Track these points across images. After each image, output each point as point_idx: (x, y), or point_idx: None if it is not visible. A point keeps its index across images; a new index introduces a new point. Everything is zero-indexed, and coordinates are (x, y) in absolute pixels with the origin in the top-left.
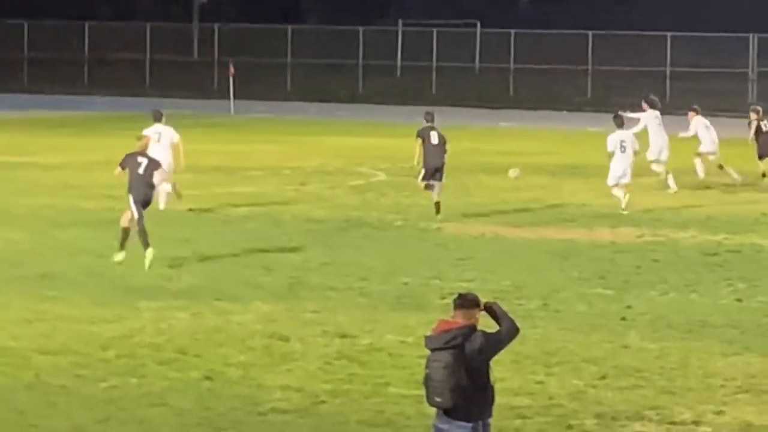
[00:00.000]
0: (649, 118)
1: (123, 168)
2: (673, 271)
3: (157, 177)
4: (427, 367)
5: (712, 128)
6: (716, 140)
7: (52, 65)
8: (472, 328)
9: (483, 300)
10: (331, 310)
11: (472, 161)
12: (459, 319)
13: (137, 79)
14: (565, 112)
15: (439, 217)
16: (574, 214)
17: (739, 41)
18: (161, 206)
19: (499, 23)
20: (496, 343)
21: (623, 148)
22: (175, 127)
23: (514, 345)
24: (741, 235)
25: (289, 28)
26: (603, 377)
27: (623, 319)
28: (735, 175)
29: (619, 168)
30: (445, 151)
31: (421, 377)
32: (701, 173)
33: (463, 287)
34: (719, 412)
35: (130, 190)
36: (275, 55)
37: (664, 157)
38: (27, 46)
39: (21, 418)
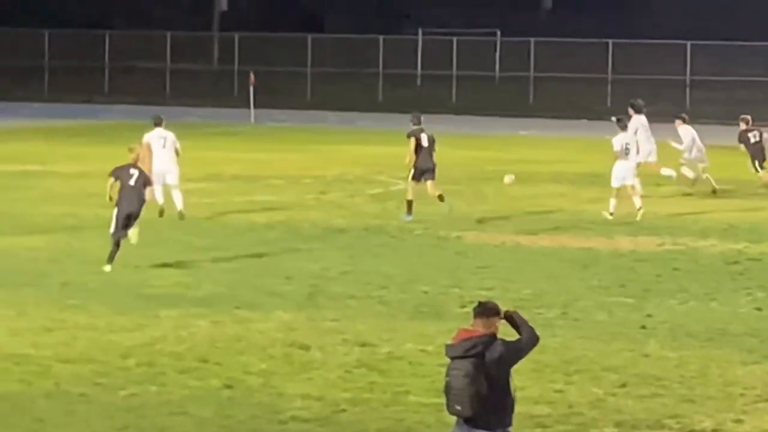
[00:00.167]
0: (635, 124)
1: (116, 179)
2: (693, 280)
3: (148, 192)
4: (447, 375)
5: (697, 137)
6: (702, 148)
7: (72, 74)
8: (493, 337)
9: (503, 308)
10: (350, 319)
11: (491, 170)
12: (479, 328)
13: (157, 87)
14: (584, 120)
15: (446, 206)
16: (593, 223)
17: (761, 50)
18: (160, 200)
19: (518, 32)
20: (516, 351)
21: (627, 151)
22: (196, 136)
23: (533, 353)
24: (762, 243)
25: (310, 37)
26: (623, 386)
27: (643, 327)
28: (690, 176)
29: (622, 170)
30: (434, 151)
31: (440, 386)
32: (692, 177)
33: (483, 296)
34: (739, 421)
35: (117, 202)
36: (295, 64)
37: (652, 159)
38: (47, 55)
39: (40, 426)
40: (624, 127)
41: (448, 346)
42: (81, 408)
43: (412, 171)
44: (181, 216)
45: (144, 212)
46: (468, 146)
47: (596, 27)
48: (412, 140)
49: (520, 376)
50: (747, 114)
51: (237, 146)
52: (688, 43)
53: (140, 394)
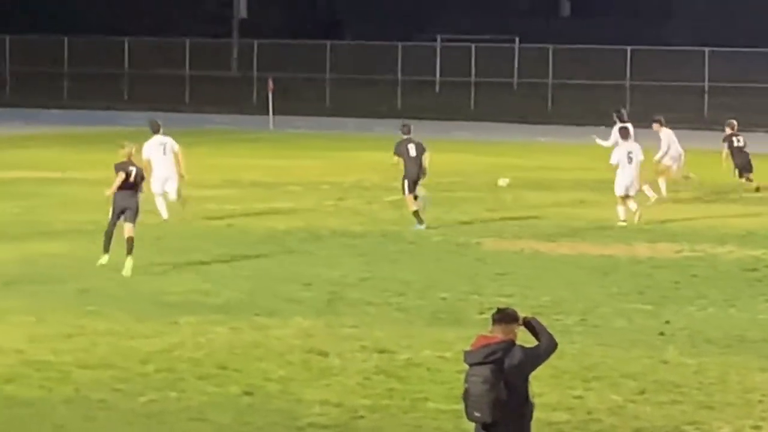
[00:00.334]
0: (618, 131)
1: (123, 173)
2: (712, 287)
3: (143, 187)
4: (466, 381)
5: (676, 142)
6: (681, 151)
7: (92, 80)
8: (511, 343)
9: (522, 315)
10: (369, 325)
11: (511, 176)
12: (498, 334)
13: (177, 94)
14: (603, 127)
15: (423, 226)
16: (612, 230)
17: None
18: (165, 216)
19: (537, 38)
20: (535, 358)
21: (630, 159)
22: (215, 143)
23: (552, 360)
24: None
25: (328, 43)
26: (642, 392)
27: (662, 334)
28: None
29: (627, 178)
30: (423, 158)
31: (459, 392)
32: (664, 191)
33: (502, 302)
34: (757, 427)
35: (113, 199)
36: (314, 71)
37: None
38: (67, 61)
39: None
40: (626, 136)
41: (466, 353)
42: (101, 414)
43: (405, 184)
44: (182, 203)
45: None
46: (487, 153)
47: (615, 33)
48: (395, 159)
49: (538, 382)
50: (734, 119)
51: (256, 153)
52: (707, 50)
53: (159, 401)
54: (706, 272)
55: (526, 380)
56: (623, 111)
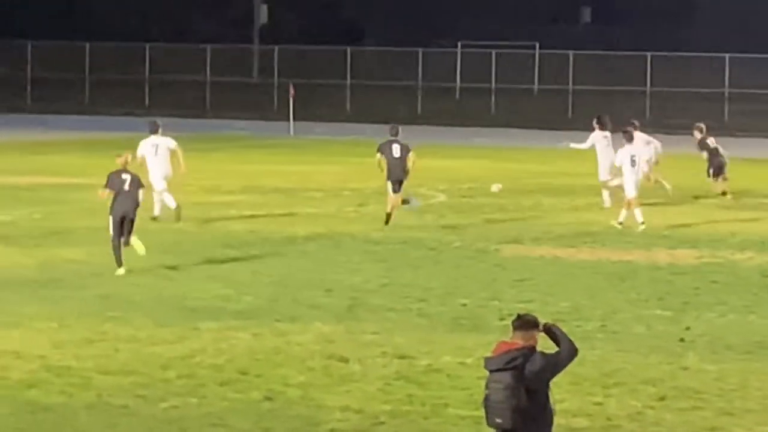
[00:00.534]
0: (597, 137)
1: (109, 188)
2: (732, 293)
3: (141, 194)
4: (486, 388)
5: (651, 145)
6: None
7: (112, 86)
8: (532, 349)
9: (542, 321)
10: (389, 331)
11: (530, 182)
12: (518, 340)
13: (197, 100)
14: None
15: (388, 225)
16: (632, 236)
17: None
18: (173, 205)
19: (557, 45)
20: (555, 364)
21: (633, 162)
22: (236, 149)
23: (572, 366)
24: None
25: (349, 49)
26: (662, 398)
27: (682, 340)
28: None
29: (632, 180)
30: (407, 160)
31: (479, 398)
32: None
33: (522, 308)
34: None
35: (111, 208)
36: (335, 77)
37: (607, 177)
38: (88, 68)
39: None
40: (630, 139)
41: (487, 359)
42: (122, 420)
43: (389, 185)
44: (155, 219)
45: (174, 228)
46: (507, 159)
47: (635, 40)
48: (378, 156)
49: (558, 388)
50: (701, 123)
51: (276, 159)
52: (727, 56)
53: (181, 406)
54: (726, 278)
55: (546, 386)
56: (605, 118)
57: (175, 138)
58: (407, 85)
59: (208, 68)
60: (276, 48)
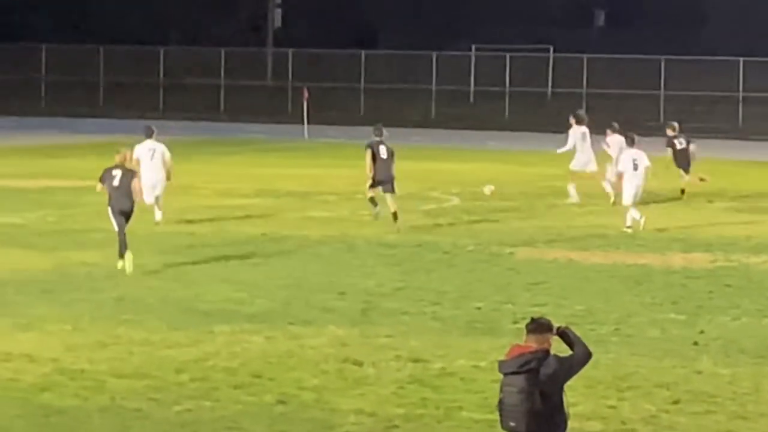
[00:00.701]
0: (575, 133)
1: (102, 183)
2: (746, 297)
3: (135, 185)
4: (501, 391)
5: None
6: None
7: (127, 90)
8: (546, 353)
9: (556, 324)
10: (403, 335)
11: (544, 186)
12: (532, 344)
13: (211, 104)
14: (636, 136)
15: (398, 224)
16: (646, 239)
17: None
18: (158, 217)
19: (571, 48)
20: (569, 367)
21: (635, 166)
22: (250, 152)
23: (586, 370)
24: None
25: (363, 53)
26: (676, 402)
27: (695, 344)
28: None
29: (633, 186)
30: (392, 163)
31: (493, 402)
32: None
33: (536, 312)
34: None
35: (109, 203)
36: (348, 80)
37: (590, 168)
38: (102, 71)
39: None
40: (632, 143)
41: (501, 362)
42: (136, 423)
43: (370, 182)
44: (157, 224)
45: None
46: (521, 162)
47: (649, 43)
48: (368, 152)
49: (572, 392)
50: (674, 122)
51: (291, 162)
52: (741, 60)
53: (194, 410)
54: (740, 282)
55: (560, 390)
56: (582, 114)
57: (189, 141)
58: (421, 88)
59: (222, 72)
60: (290, 51)
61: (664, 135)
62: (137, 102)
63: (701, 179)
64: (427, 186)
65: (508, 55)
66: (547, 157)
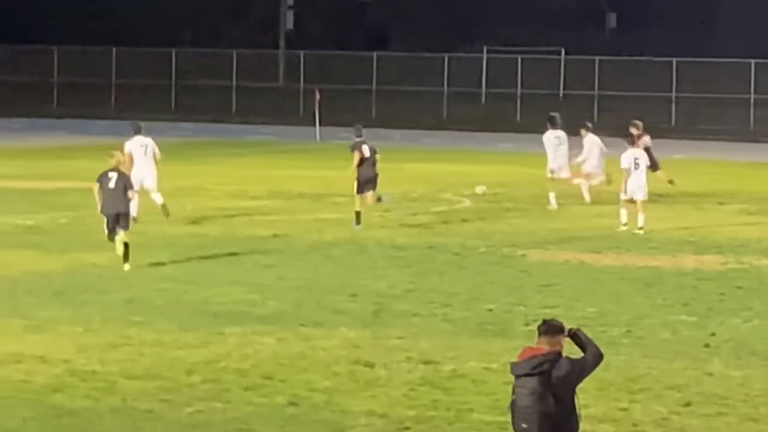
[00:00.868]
0: (548, 137)
1: (100, 184)
2: (757, 299)
3: (129, 190)
4: (513, 393)
5: (603, 148)
6: (602, 162)
7: (139, 91)
8: (558, 355)
9: (567, 326)
10: (415, 337)
11: (555, 188)
12: (544, 346)
13: (223, 105)
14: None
15: (359, 227)
16: (658, 241)
17: None
18: (160, 201)
19: (583, 50)
20: (581, 369)
21: (637, 165)
22: (261, 154)
23: (598, 372)
24: None
25: (375, 55)
26: (687, 404)
27: (707, 346)
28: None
29: (634, 184)
30: (375, 162)
31: (504, 404)
32: (587, 196)
33: (547, 314)
34: None
35: (102, 209)
36: (360, 82)
37: (563, 175)
38: (115, 72)
39: None
40: (632, 143)
41: (513, 364)
42: (147, 425)
43: (356, 184)
44: (165, 211)
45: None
46: (533, 164)
47: (661, 45)
48: (356, 154)
49: (584, 394)
50: (638, 121)
51: (302, 164)
52: (752, 62)
53: (205, 411)
54: (752, 284)
55: (573, 392)
56: (556, 118)
57: (201, 143)
58: (433, 90)
59: (234, 73)
60: (302, 53)
61: (680, 138)
62: (149, 103)
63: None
64: (438, 188)
65: (519, 57)
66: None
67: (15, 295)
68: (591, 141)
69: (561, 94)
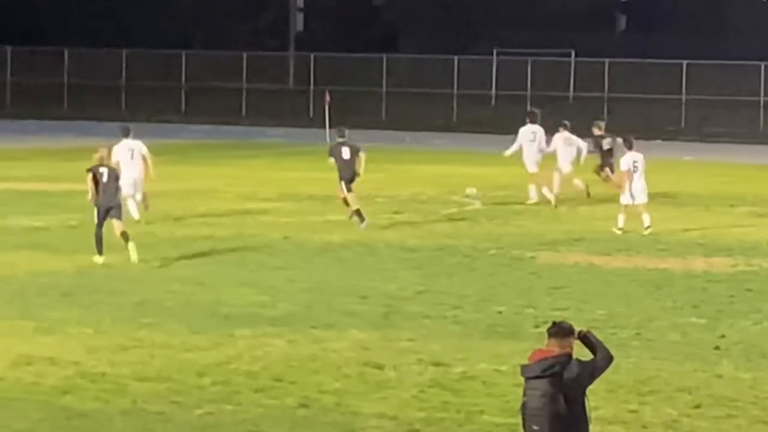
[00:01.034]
0: (524, 133)
1: (94, 175)
2: (767, 301)
3: (120, 182)
4: (524, 395)
5: (573, 146)
6: (572, 158)
7: (149, 93)
8: (569, 357)
9: (577, 328)
10: (425, 338)
11: (566, 190)
12: (554, 348)
13: (233, 107)
14: (658, 141)
15: (362, 224)
16: (667, 244)
17: None
18: (136, 216)
19: (593, 52)
20: (591, 371)
21: (635, 168)
22: (272, 156)
23: (607, 374)
24: None
25: (385, 57)
26: (697, 406)
27: (717, 348)
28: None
29: (635, 188)
30: (356, 163)
31: (515, 406)
32: (554, 190)
33: (557, 316)
34: None
35: (95, 202)
36: (371, 84)
37: (530, 169)
38: (125, 74)
39: None
40: (630, 146)
41: (524, 366)
42: (157, 426)
43: (342, 185)
44: (145, 203)
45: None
46: (542, 166)
47: (670, 47)
48: (331, 159)
49: (594, 396)
50: (601, 121)
51: (313, 166)
52: (762, 64)
53: (216, 413)
54: (761, 286)
55: (583, 394)
56: (535, 112)
57: (211, 145)
58: (443, 92)
59: (244, 76)
60: (312, 55)
61: (689, 140)
62: (160, 106)
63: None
64: (448, 190)
65: (529, 59)
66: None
67: (24, 297)
68: (560, 137)
69: (571, 96)
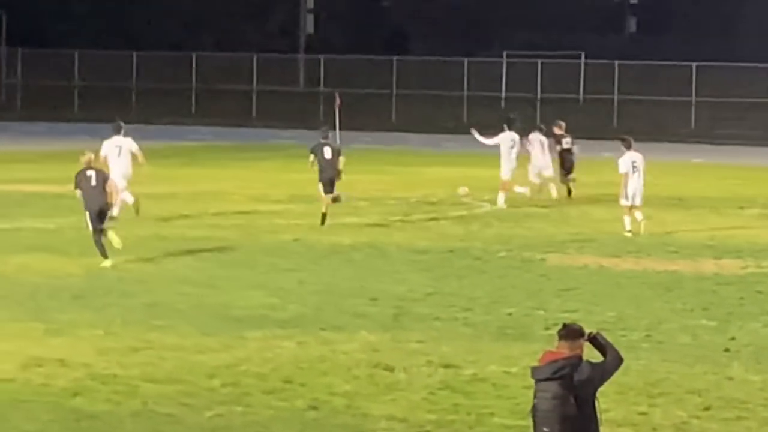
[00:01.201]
0: (504, 138)
1: (78, 187)
2: None
3: (110, 185)
4: (534, 397)
5: (546, 149)
6: (549, 160)
7: (159, 95)
8: (579, 359)
9: (587, 330)
10: (435, 340)
11: (575, 192)
12: (564, 350)
13: (244, 109)
14: (668, 143)
15: (324, 227)
16: (677, 246)
17: None
18: (115, 212)
19: (603, 54)
20: (601, 373)
21: (635, 169)
22: (282, 158)
23: (617, 376)
24: None
25: (394, 59)
26: (707, 408)
27: (727, 350)
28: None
29: (632, 188)
30: (338, 163)
31: (525, 408)
32: (528, 191)
33: (567, 318)
34: None
35: (86, 206)
36: (380, 86)
37: (503, 176)
38: (135, 76)
39: None
40: (629, 147)
41: (534, 369)
42: (168, 428)
43: (320, 186)
44: (135, 207)
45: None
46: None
47: (680, 49)
48: (312, 157)
49: (604, 398)
50: (561, 121)
51: None
52: None
53: (226, 415)
54: None
55: (593, 396)
56: (515, 120)
57: (222, 147)
58: (453, 94)
59: (254, 77)
60: (322, 57)
61: (699, 142)
62: (170, 108)
63: (573, 180)
64: (452, 190)
65: (539, 62)
66: (578, 164)
67: (36, 299)
68: (536, 140)
69: (581, 99)
